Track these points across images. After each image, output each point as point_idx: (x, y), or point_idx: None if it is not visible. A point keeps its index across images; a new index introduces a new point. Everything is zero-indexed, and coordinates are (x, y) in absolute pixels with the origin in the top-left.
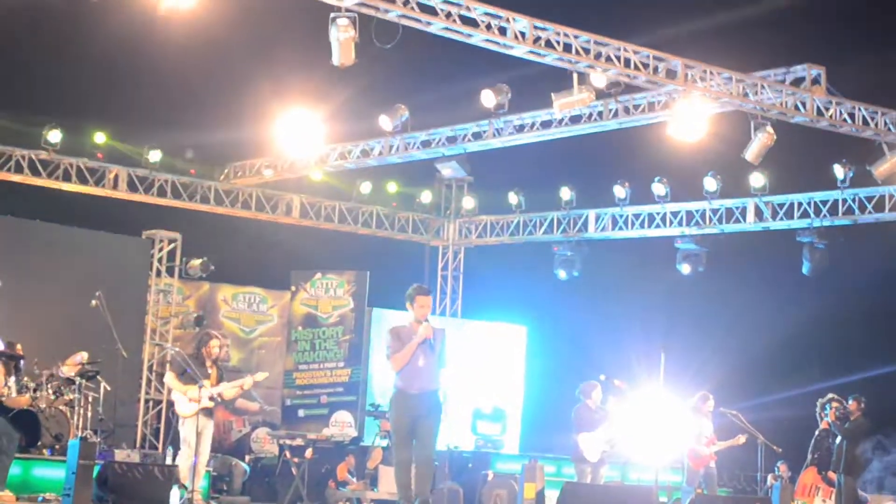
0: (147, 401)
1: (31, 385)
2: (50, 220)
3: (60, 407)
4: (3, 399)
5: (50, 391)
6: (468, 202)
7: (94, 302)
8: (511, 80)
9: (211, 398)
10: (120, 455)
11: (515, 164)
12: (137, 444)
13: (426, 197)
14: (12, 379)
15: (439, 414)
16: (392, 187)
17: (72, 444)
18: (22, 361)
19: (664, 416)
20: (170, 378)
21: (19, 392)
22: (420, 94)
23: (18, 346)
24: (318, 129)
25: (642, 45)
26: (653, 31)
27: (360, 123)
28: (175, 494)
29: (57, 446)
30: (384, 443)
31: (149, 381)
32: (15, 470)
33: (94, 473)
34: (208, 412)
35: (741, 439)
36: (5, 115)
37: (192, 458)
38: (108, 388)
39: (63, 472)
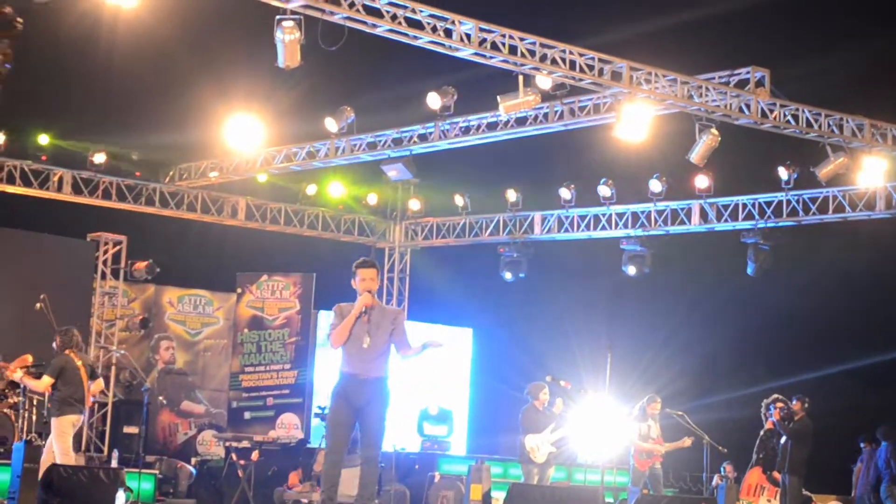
0: (93, 403)
1: None
2: None
3: (5, 410)
4: None
5: None
6: (414, 204)
7: (38, 304)
8: (457, 83)
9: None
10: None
11: (461, 166)
12: (83, 448)
13: (372, 199)
14: None
15: (385, 405)
16: (338, 189)
17: (16, 447)
18: None
19: (610, 417)
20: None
21: None
22: (366, 95)
23: None
24: (263, 132)
25: (588, 47)
26: (599, 34)
27: (306, 125)
28: (120, 497)
29: (1, 449)
30: None
31: None
32: None
33: (39, 477)
34: None
35: (687, 441)
36: None
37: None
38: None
39: (7, 476)
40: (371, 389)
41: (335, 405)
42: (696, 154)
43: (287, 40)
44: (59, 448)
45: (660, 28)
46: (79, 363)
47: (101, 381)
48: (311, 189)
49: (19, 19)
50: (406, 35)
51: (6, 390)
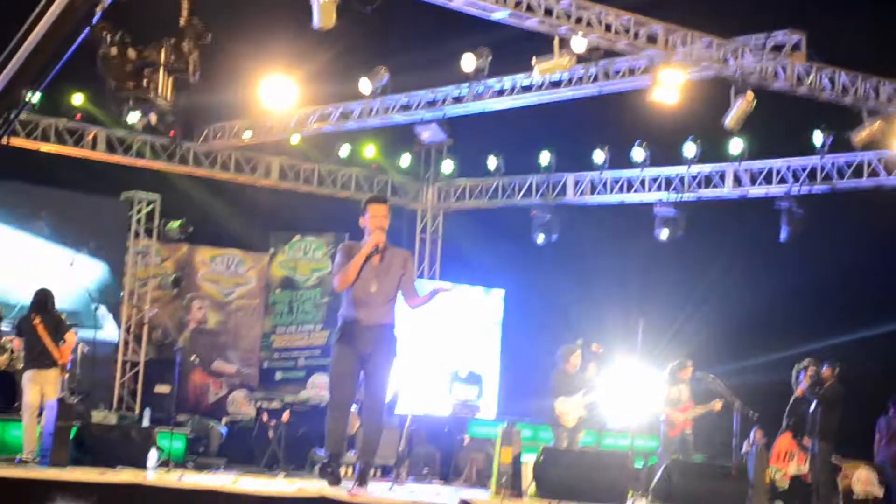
0: (125, 362)
1: (8, 346)
2: (28, 181)
3: None
4: None
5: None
6: (447, 166)
7: (70, 264)
8: (491, 44)
9: None
10: (97, 416)
11: (495, 128)
12: (114, 406)
13: (405, 160)
14: None
15: (393, 354)
16: (371, 150)
17: (49, 405)
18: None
19: (641, 381)
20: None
21: None
22: (400, 57)
23: None
24: (297, 92)
25: (624, 8)
26: None
27: (340, 86)
28: (153, 456)
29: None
30: None
31: (126, 342)
32: None
33: (72, 435)
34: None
35: (717, 405)
36: None
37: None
38: (85, 350)
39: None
40: (378, 337)
41: (338, 354)
42: (731, 118)
43: (322, 1)
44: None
45: None
46: (36, 321)
47: (72, 334)
48: (344, 150)
49: (209, 32)
50: None
51: None
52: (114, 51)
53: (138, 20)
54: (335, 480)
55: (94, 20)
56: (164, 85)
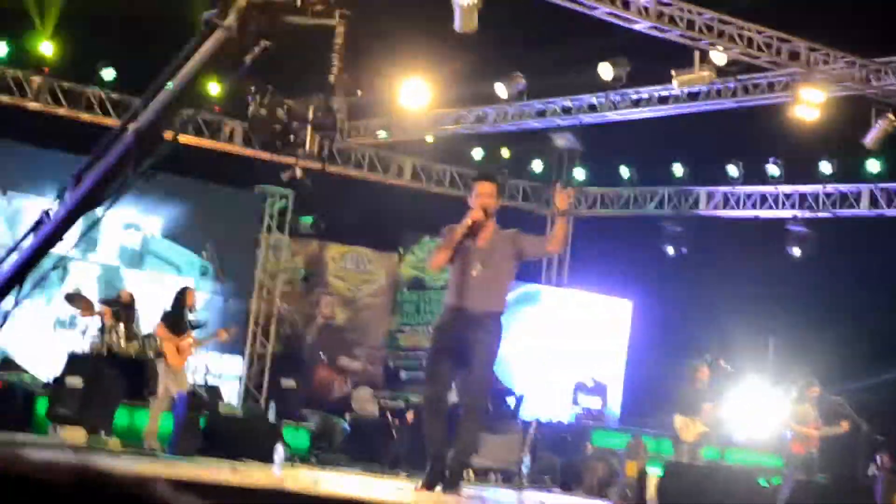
0: (252, 355)
1: (140, 334)
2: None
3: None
4: (112, 347)
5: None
6: (579, 173)
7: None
8: (628, 53)
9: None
10: (223, 408)
11: (628, 138)
12: (240, 399)
13: (537, 166)
14: (121, 327)
15: (496, 345)
16: (504, 154)
17: (180, 396)
18: (134, 310)
19: (767, 398)
20: (160, 331)
21: (128, 340)
22: (536, 62)
23: (129, 294)
24: (433, 94)
25: (766, 24)
26: (777, 11)
27: (476, 89)
28: (279, 452)
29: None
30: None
31: (255, 335)
32: (121, 418)
33: (200, 425)
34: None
35: (844, 426)
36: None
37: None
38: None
39: (167, 422)
40: (481, 326)
41: (437, 346)
42: (871, 138)
43: (465, 4)
44: None
45: (840, 7)
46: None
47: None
48: (476, 153)
49: (359, 87)
50: (583, 5)
51: None
52: (263, 112)
53: (288, 70)
54: (430, 485)
55: (244, 70)
56: (311, 141)
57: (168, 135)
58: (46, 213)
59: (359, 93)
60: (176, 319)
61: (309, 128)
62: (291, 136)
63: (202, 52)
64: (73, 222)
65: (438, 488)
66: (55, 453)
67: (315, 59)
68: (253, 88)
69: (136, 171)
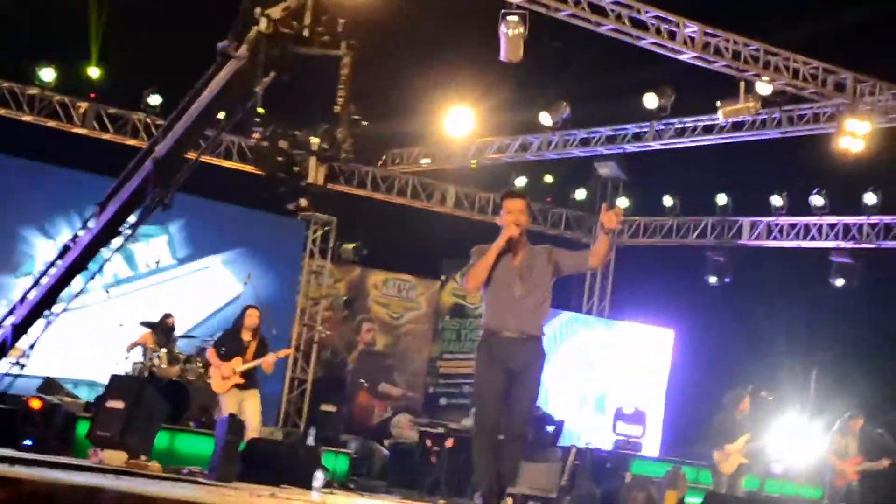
0: (292, 379)
1: (182, 357)
2: (209, 196)
3: (208, 380)
4: (154, 369)
5: (199, 364)
6: (622, 202)
7: (245, 280)
8: (673, 82)
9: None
10: (263, 432)
11: (672, 167)
12: (280, 423)
13: (580, 194)
14: (163, 350)
15: (539, 371)
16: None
17: (220, 420)
18: (174, 333)
19: (809, 430)
20: (209, 354)
21: (170, 363)
22: (581, 91)
23: (171, 319)
24: (477, 122)
25: (812, 55)
26: (823, 43)
27: (520, 118)
28: (319, 477)
29: (203, 419)
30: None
31: (295, 360)
32: (161, 440)
33: (240, 448)
34: (241, 386)
35: (885, 463)
36: None
37: None
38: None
39: (207, 446)
40: (524, 350)
41: (482, 373)
42: None
43: (511, 34)
44: None
45: (887, 39)
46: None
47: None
48: (520, 181)
49: (364, 121)
50: (629, 35)
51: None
52: (265, 144)
53: (294, 100)
54: None
55: (252, 102)
56: (315, 172)
57: (191, 156)
58: (73, 239)
59: (362, 125)
60: (232, 340)
61: (313, 158)
62: (295, 167)
63: (216, 81)
64: (99, 249)
65: None
66: (96, 477)
67: (322, 89)
68: (257, 119)
69: (155, 199)
